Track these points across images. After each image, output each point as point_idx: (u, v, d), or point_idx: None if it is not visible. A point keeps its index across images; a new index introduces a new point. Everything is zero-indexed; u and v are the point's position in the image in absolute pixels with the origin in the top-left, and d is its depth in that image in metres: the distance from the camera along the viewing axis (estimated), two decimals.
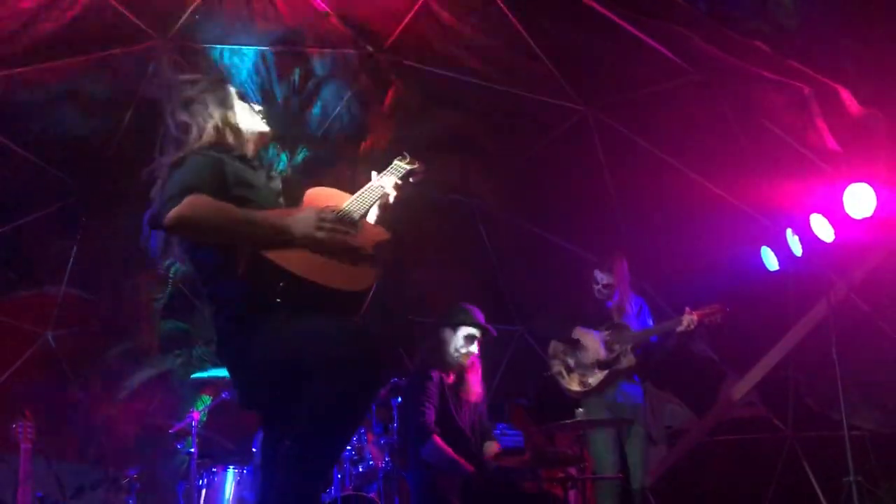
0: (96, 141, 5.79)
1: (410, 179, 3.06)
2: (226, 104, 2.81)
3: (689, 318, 4.77)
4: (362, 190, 2.82)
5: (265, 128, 2.88)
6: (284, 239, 2.43)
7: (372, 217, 2.87)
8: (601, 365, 4.97)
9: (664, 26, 4.39)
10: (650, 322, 5.20)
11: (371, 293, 2.55)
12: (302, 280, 2.37)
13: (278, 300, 2.37)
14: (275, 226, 2.45)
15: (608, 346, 4.99)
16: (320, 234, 2.45)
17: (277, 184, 2.89)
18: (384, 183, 2.90)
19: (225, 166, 2.61)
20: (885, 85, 4.10)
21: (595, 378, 4.95)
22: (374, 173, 2.97)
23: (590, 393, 4.96)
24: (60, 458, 6.38)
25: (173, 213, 2.38)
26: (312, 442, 2.32)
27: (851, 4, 3.93)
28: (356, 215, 2.67)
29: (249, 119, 2.84)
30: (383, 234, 2.73)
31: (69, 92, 5.44)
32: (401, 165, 3.03)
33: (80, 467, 6.41)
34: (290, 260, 2.39)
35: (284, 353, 2.40)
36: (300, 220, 2.47)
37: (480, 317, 4.68)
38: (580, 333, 5.09)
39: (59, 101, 5.48)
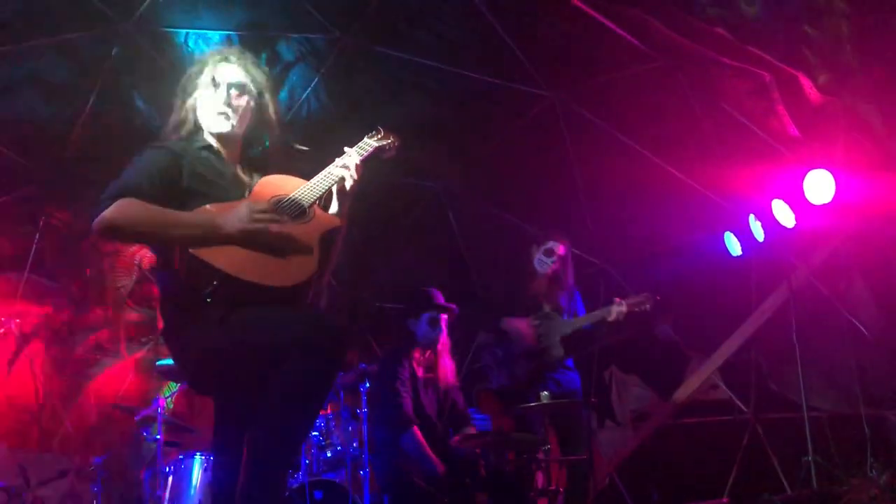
0: (58, 126, 5.71)
1: (382, 156, 2.97)
2: (186, 93, 2.73)
3: (618, 309, 4.77)
4: (319, 175, 2.73)
5: (222, 129, 2.70)
6: (218, 237, 2.40)
7: (334, 207, 2.79)
8: (530, 356, 4.94)
9: (628, 12, 4.42)
10: (582, 310, 5.17)
11: (310, 285, 2.49)
12: (233, 278, 2.34)
13: (208, 300, 2.34)
14: (206, 226, 2.41)
15: (537, 337, 4.94)
16: (252, 228, 2.40)
17: (256, 176, 2.77)
18: (347, 163, 2.79)
19: (181, 160, 2.57)
20: (844, 72, 4.18)
21: (523, 369, 4.93)
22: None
23: (520, 385, 4.90)
24: (25, 447, 6.31)
25: (100, 218, 2.38)
26: (279, 426, 2.31)
27: None
28: (306, 202, 2.60)
29: (209, 117, 2.71)
30: (333, 222, 2.66)
31: (28, 76, 5.35)
32: (369, 143, 2.93)
33: (44, 457, 6.34)
34: (223, 258, 2.36)
35: (233, 343, 2.38)
36: (233, 216, 2.42)
37: (440, 298, 4.73)
38: (507, 325, 5.01)
39: (18, 85, 5.39)
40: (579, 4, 4.44)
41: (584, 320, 4.98)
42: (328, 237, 2.60)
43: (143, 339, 6.57)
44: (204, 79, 2.73)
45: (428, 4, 5.15)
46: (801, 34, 3.97)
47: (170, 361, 4.84)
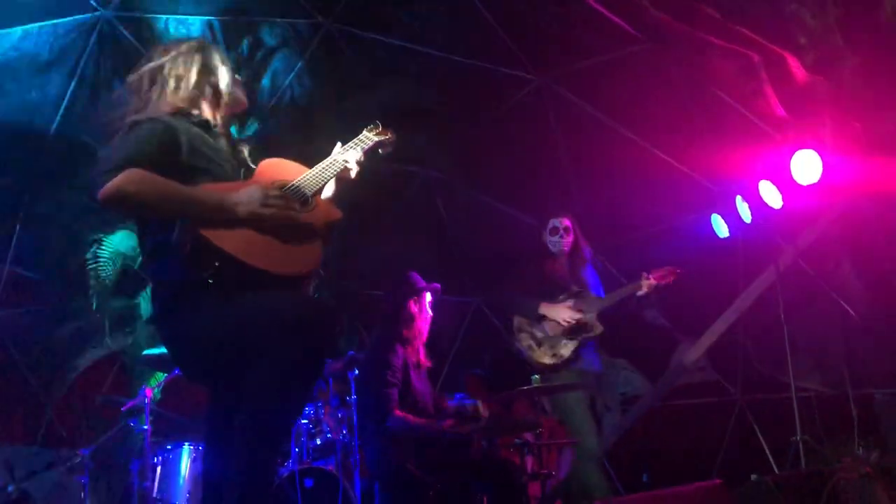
0: (37, 114, 5.62)
1: (380, 151, 2.94)
2: (209, 67, 2.70)
3: (647, 282, 4.82)
4: (321, 164, 2.69)
5: (244, 98, 2.80)
6: (227, 216, 2.35)
7: (329, 191, 2.76)
8: (571, 335, 4.95)
9: None
10: (601, 288, 5.19)
11: (312, 275, 2.47)
12: (236, 261, 2.29)
13: (210, 281, 2.30)
14: (217, 203, 2.36)
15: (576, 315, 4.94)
16: (265, 212, 2.37)
17: (244, 154, 2.76)
18: (348, 157, 2.76)
19: (180, 135, 2.50)
20: (831, 52, 4.17)
21: (567, 349, 4.92)
22: (338, 144, 2.84)
23: (563, 364, 4.89)
24: (9, 441, 6.25)
25: (109, 186, 2.30)
26: (266, 412, 2.28)
27: None
28: (308, 191, 2.56)
29: (237, 93, 2.76)
30: (335, 213, 2.64)
31: (7, 63, 5.26)
32: (369, 136, 2.90)
33: (30, 450, 6.29)
34: (229, 239, 2.31)
35: (228, 327, 2.35)
36: (245, 196, 2.37)
37: (420, 281, 4.79)
38: (546, 308, 4.98)
39: None
40: None
41: (617, 295, 5.00)
42: (331, 227, 2.57)
43: (128, 329, 6.51)
44: (216, 57, 2.74)
45: None
46: (789, 13, 3.95)
47: (156, 351, 4.80)
